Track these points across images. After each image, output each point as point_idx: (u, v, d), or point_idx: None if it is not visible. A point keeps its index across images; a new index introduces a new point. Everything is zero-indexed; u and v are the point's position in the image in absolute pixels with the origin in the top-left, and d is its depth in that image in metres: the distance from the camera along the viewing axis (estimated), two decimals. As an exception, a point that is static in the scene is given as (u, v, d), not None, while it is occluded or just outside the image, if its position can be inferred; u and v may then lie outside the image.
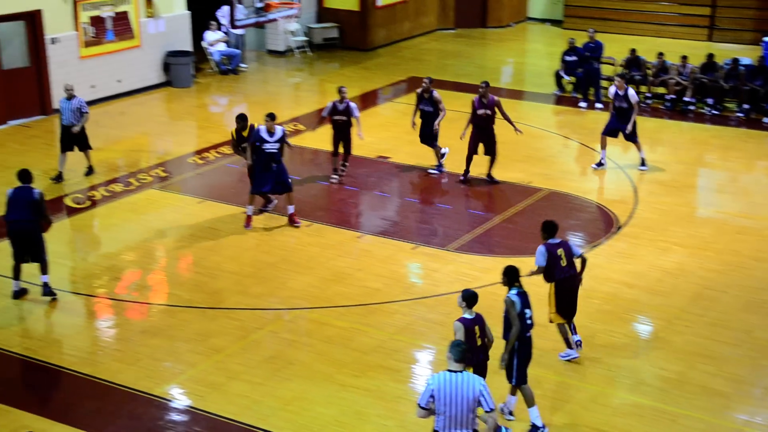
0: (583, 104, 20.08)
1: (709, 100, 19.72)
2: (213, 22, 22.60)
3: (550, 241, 10.19)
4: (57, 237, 14.12)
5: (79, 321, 11.53)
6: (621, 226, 13.87)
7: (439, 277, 12.56)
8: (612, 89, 16.34)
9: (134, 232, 13.86)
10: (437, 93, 16.12)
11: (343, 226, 14.13)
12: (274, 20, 21.53)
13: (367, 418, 9.52)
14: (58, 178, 15.57)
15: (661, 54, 20.45)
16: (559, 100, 20.98)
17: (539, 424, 9.16)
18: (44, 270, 11.71)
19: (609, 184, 16.17)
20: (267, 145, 13.64)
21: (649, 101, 20.35)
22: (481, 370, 8.83)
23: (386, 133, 18.61)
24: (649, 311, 11.66)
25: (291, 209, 14.03)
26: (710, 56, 20.19)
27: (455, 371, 7.42)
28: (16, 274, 11.75)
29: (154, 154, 17.59)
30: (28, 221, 11.50)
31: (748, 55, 20.97)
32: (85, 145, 15.84)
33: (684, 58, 20.09)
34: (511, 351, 9.18)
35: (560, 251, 10.11)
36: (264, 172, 13.74)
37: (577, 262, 10.24)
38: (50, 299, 11.68)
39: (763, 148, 17.77)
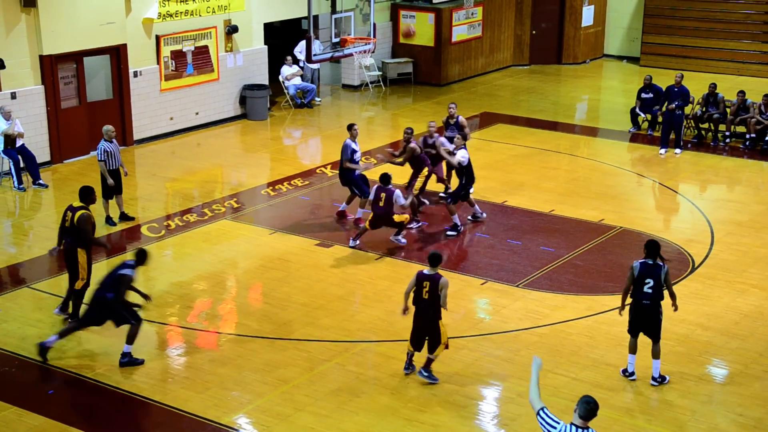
0: (662, 150, 19.47)
1: (791, 140, 19.25)
2: (289, 57, 23.01)
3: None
4: (132, 264, 14.46)
5: (150, 348, 11.72)
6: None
7: (508, 313, 12.45)
8: None
9: (206, 262, 14.09)
10: (462, 118, 16.75)
11: (414, 260, 14.13)
12: (350, 55, 21.76)
13: (432, 454, 9.44)
14: (111, 221, 15.33)
15: (741, 92, 20.06)
16: (634, 138, 20.71)
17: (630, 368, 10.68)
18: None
19: (684, 223, 15.87)
20: (357, 155, 15.34)
21: (727, 140, 19.95)
22: (431, 323, 10.51)
23: (458, 168, 18.58)
24: (724, 354, 11.35)
25: (345, 206, 15.66)
26: (792, 95, 19.72)
27: (579, 427, 7.31)
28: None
29: (228, 185, 17.91)
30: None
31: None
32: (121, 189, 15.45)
33: (766, 96, 19.66)
34: (623, 304, 10.72)
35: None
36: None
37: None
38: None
39: None
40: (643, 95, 20.75)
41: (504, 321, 12.23)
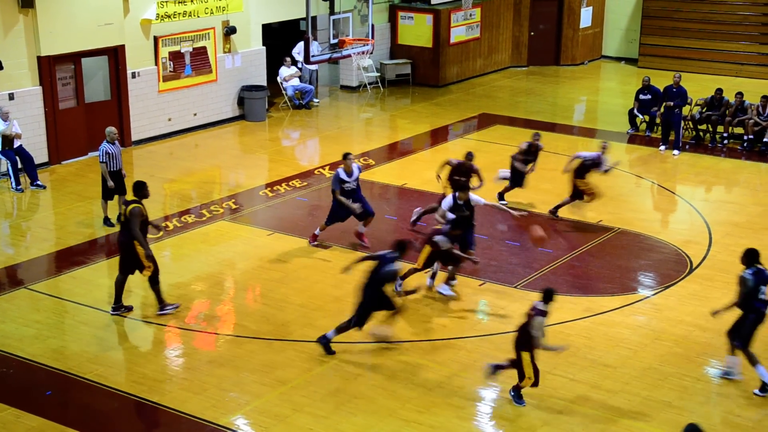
0: (662, 147, 19.62)
1: (789, 141, 19.27)
2: (287, 58, 23.01)
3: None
4: (131, 265, 14.46)
5: (148, 349, 11.72)
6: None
7: (506, 314, 12.45)
8: None
9: (204, 263, 14.08)
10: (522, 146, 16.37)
11: (413, 262, 14.11)
12: (348, 56, 21.76)
13: (430, 455, 9.44)
14: (110, 222, 15.34)
15: (740, 94, 20.08)
16: (633, 139, 20.73)
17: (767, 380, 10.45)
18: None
19: (682, 225, 15.88)
20: (347, 185, 14.21)
21: (726, 141, 19.97)
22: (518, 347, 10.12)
23: (456, 169, 18.58)
24: (722, 355, 11.33)
25: (363, 229, 14.55)
26: (791, 96, 19.74)
27: None
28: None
29: (226, 186, 17.90)
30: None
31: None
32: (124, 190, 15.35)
33: (764, 98, 19.68)
34: (744, 322, 10.55)
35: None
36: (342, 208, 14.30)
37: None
38: None
39: None
40: (642, 97, 20.77)
41: (502, 322, 12.23)
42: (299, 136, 21.80)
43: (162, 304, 12.34)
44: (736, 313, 10.66)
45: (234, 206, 16.49)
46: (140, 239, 11.98)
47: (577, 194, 15.56)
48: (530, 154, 16.25)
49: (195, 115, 20.89)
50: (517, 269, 13.82)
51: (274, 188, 17.41)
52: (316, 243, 14.56)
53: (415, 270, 12.77)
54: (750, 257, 10.58)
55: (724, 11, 26.73)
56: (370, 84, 24.98)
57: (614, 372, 10.98)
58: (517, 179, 16.27)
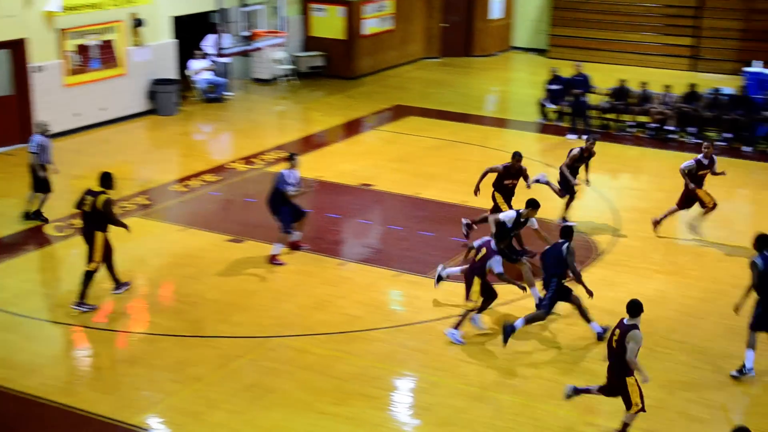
0: (571, 136, 20.10)
1: (691, 129, 19.87)
2: (198, 51, 22.70)
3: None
4: (38, 265, 14.10)
5: (57, 350, 11.45)
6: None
7: (421, 304, 12.55)
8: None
9: (115, 261, 13.78)
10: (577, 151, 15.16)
11: (326, 253, 14.13)
12: (261, 49, 21.62)
13: (346, 446, 9.48)
14: (36, 217, 15.02)
15: (644, 83, 20.62)
16: (544, 129, 21.10)
17: (750, 365, 10.63)
18: None
19: (590, 212, 16.22)
20: (289, 187, 13.55)
21: (632, 130, 20.49)
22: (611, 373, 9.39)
23: (370, 160, 18.67)
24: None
25: (298, 235, 14.00)
26: (692, 86, 20.38)
27: None
28: None
29: (137, 181, 17.55)
30: None
31: (729, 85, 21.18)
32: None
33: (667, 87, 20.27)
34: (756, 304, 10.69)
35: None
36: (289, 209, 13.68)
37: None
38: None
39: (744, 177, 17.90)
40: (551, 87, 21.17)
41: (417, 312, 12.33)
42: (212, 130, 21.55)
43: (82, 298, 12.17)
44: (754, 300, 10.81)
45: (145, 202, 16.20)
46: (120, 223, 12.36)
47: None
48: (582, 160, 15.20)
49: (104, 109, 20.44)
50: (432, 259, 13.93)
51: (186, 183, 17.18)
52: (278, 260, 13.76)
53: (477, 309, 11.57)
54: (761, 242, 10.77)
55: (628, 3, 27.39)
56: (283, 77, 24.82)
57: (528, 357, 11.17)
58: (568, 188, 15.15)
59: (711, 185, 14.92)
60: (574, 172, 15.09)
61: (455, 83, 25.38)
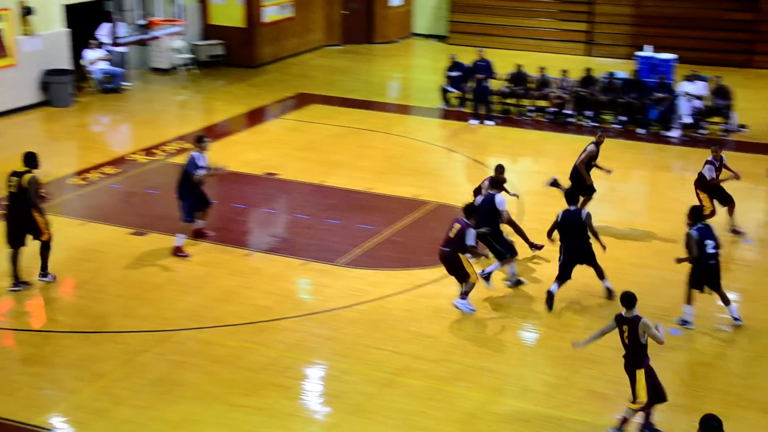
0: (474, 121, 20.33)
1: (588, 113, 20.37)
2: (93, 40, 22.08)
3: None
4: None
5: (-47, 351, 11.03)
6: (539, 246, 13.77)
7: (330, 292, 12.55)
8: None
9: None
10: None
11: (232, 244, 13.98)
12: (158, 38, 21.14)
13: (258, 437, 9.42)
14: None
15: (542, 68, 21.02)
16: (446, 114, 21.31)
17: (689, 319, 11.45)
18: None
19: (494, 195, 16.46)
20: (200, 171, 13.35)
21: (531, 114, 20.87)
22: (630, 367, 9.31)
23: (274, 149, 18.54)
24: (534, 318, 11.91)
25: (202, 223, 13.88)
26: (588, 70, 20.87)
27: None
28: None
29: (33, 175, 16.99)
30: None
31: (623, 69, 21.76)
32: None
33: (564, 72, 20.71)
34: (690, 272, 11.40)
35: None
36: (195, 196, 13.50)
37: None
38: None
39: (640, 158, 18.45)
40: (450, 73, 21.38)
41: (325, 300, 12.32)
42: (110, 121, 21.03)
43: (45, 271, 12.49)
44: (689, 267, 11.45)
45: (42, 196, 15.67)
46: (39, 208, 12.24)
47: None
48: (597, 155, 14.78)
49: (-6, 101, 19.73)
50: (338, 247, 13.94)
51: (85, 176, 16.73)
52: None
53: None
54: (695, 215, 11.31)
55: (526, -11, 27.84)
56: (182, 66, 24.38)
57: (436, 342, 11.29)
58: (585, 187, 14.72)
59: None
60: (590, 170, 14.73)
61: (358, 70, 25.39)
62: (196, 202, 13.58)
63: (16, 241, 12.28)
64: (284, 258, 13.52)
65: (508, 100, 21.30)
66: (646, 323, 9.16)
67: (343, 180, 16.70)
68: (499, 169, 13.31)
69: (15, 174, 12.22)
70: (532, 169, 17.97)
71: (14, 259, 12.31)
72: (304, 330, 11.53)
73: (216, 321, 11.65)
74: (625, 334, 9.24)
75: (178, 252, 13.45)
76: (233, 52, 25.23)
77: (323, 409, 10.01)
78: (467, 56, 21.89)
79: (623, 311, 9.29)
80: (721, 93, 19.33)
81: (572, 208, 12.21)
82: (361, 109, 21.50)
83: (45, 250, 12.44)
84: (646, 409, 9.31)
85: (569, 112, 20.36)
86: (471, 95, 20.94)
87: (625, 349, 9.31)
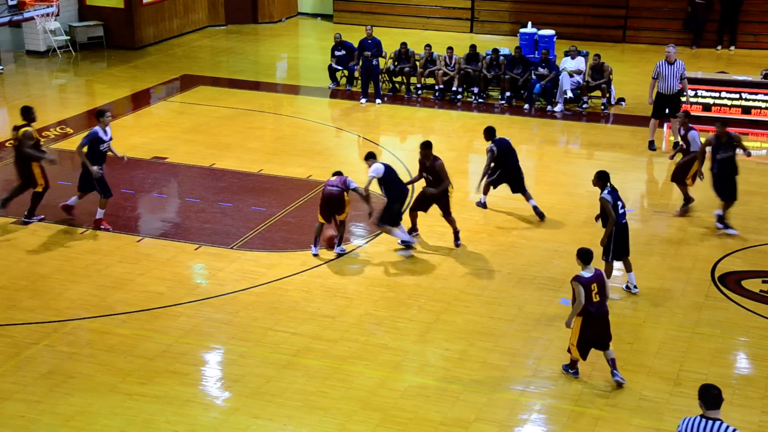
0: (363, 100, 20.31)
1: (475, 89, 20.66)
2: (-37, 22, 21.09)
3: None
4: None
5: None
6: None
7: (224, 276, 12.40)
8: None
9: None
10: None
11: (121, 231, 13.63)
12: (31, 19, 20.34)
13: (156, 425, 9.26)
14: None
15: (428, 46, 21.17)
16: (334, 94, 21.25)
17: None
18: None
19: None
20: (103, 146, 13.49)
21: (419, 92, 21.03)
22: (606, 320, 9.77)
23: (161, 133, 18.13)
24: (430, 295, 12.06)
25: (101, 213, 13.68)
26: (473, 47, 21.13)
27: (709, 418, 7.08)
28: None
29: None
30: None
31: (506, 46, 22.13)
32: None
33: (450, 49, 20.91)
34: (609, 235, 11.47)
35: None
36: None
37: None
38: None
39: (525, 133, 18.84)
40: (337, 53, 21.31)
41: (221, 284, 12.17)
42: (-16, 106, 20.14)
43: (31, 214, 13.58)
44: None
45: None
46: (34, 155, 13.36)
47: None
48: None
49: None
50: (232, 230, 13.77)
51: (-40, 164, 16.01)
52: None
53: None
54: (603, 179, 11.46)
55: (410, -33, 27.92)
56: (59, 48, 23.53)
57: (333, 322, 11.31)
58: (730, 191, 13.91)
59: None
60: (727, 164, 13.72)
61: (244, 51, 25.03)
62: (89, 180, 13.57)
63: (25, 183, 13.58)
64: (176, 243, 13.28)
65: (396, 78, 21.39)
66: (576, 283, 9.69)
67: (233, 162, 16.48)
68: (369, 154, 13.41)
69: (15, 128, 13.50)
70: (422, 147, 18.13)
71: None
72: (200, 315, 11.37)
73: (107, 310, 11.37)
74: (594, 292, 9.65)
75: (98, 225, 13.64)
76: (113, 34, 24.49)
77: (222, 394, 9.91)
78: (354, 35, 21.86)
79: (583, 270, 9.70)
80: (598, 70, 19.90)
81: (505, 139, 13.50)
82: (249, 90, 21.24)
83: (37, 198, 13.55)
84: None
85: (456, 89, 20.60)
86: (359, 74, 20.93)
87: (595, 306, 9.68)
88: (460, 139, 18.49)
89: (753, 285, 12.29)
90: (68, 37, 23.74)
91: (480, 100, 20.49)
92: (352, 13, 27.78)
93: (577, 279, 9.70)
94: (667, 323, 11.32)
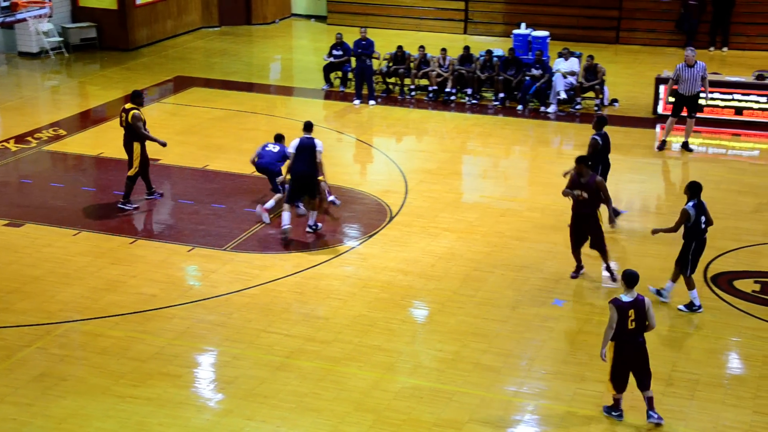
0: (357, 101, 20.31)
1: (468, 90, 20.66)
2: (-45, 24, 21.05)
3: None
4: None
5: None
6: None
7: (217, 278, 12.39)
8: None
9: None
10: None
11: (114, 232, 13.62)
12: (24, 20, 20.30)
13: (149, 427, 9.25)
14: None
15: (422, 47, 21.17)
16: (328, 95, 21.24)
17: (697, 303, 11.52)
18: None
19: (381, 176, 16.57)
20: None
21: (413, 93, 21.04)
22: (640, 353, 9.15)
23: (154, 134, 18.05)
24: (424, 296, 12.06)
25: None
26: (466, 48, 21.13)
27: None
28: None
29: None
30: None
31: (500, 47, 22.14)
32: None
33: (443, 50, 20.91)
34: (686, 248, 11.35)
35: None
36: None
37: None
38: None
39: (519, 134, 18.86)
40: (335, 52, 21.29)
41: (214, 286, 12.16)
42: (-23, 108, 20.09)
43: (126, 199, 14.27)
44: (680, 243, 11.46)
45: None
46: (149, 136, 14.24)
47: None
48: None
49: None
50: (225, 231, 13.76)
51: (-47, 166, 15.97)
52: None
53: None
54: (693, 190, 11.25)
55: (404, -31, 27.92)
56: (52, 50, 23.48)
57: (327, 323, 11.31)
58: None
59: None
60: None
61: (238, 52, 25.01)
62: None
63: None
64: (169, 245, 13.27)
65: (390, 80, 21.39)
66: (650, 303, 9.06)
67: (226, 164, 16.47)
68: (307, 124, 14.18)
69: (123, 110, 14.28)
70: (416, 148, 18.14)
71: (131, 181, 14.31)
72: (193, 317, 11.36)
73: (100, 312, 11.35)
74: (630, 319, 8.95)
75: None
76: (106, 35, 24.45)
77: (215, 396, 9.89)
78: (348, 37, 21.84)
79: (623, 294, 9.04)
80: (591, 71, 19.92)
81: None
82: (242, 92, 21.21)
83: (130, 182, 14.20)
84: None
85: (450, 90, 20.60)
86: (353, 75, 20.92)
87: (628, 335, 9.00)
88: (452, 140, 18.48)
89: (745, 285, 12.32)
90: (61, 39, 23.69)
91: (474, 102, 20.49)
92: (346, 14, 27.76)
93: (614, 302, 9.02)
94: (659, 324, 11.31)
